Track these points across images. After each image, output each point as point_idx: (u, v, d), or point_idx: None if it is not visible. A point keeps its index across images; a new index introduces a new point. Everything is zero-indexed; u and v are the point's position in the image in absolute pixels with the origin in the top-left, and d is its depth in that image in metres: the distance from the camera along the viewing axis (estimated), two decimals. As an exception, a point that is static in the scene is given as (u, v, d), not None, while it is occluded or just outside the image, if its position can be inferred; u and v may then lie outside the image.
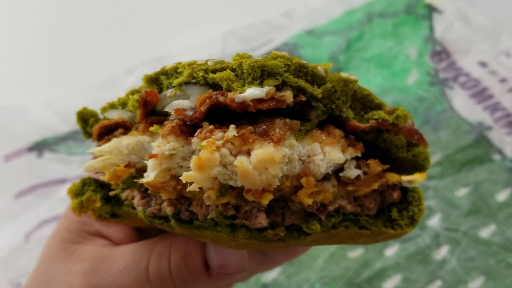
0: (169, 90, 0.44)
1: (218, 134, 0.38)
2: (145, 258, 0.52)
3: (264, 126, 0.39)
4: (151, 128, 0.42)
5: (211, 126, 0.39)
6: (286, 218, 0.42)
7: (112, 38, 1.22)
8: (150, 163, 0.40)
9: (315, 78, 0.42)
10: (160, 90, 0.45)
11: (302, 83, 0.40)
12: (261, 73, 0.40)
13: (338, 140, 0.42)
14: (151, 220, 0.45)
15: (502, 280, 0.89)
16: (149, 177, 0.40)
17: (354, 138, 0.44)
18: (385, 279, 0.89)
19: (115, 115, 0.50)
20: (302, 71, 0.41)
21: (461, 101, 1.09)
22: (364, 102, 0.45)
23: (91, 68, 1.16)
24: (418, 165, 0.47)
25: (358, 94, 0.44)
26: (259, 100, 0.39)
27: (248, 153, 0.38)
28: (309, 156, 0.41)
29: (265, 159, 0.36)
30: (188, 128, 0.41)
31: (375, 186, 0.45)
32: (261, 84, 0.39)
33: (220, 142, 0.37)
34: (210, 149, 0.37)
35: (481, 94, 1.09)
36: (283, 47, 1.16)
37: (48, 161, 1.03)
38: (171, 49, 1.14)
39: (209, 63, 0.42)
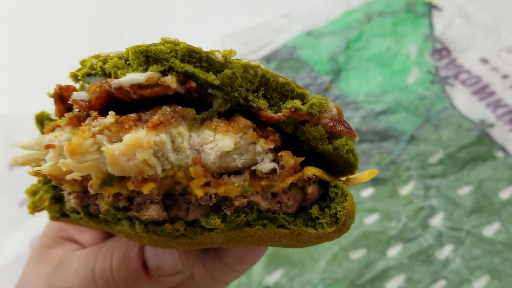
0: (77, 84, 0.43)
1: (99, 121, 0.37)
2: (92, 260, 0.53)
3: (148, 113, 0.38)
4: (58, 121, 0.41)
5: (95, 113, 0.38)
6: (190, 213, 0.40)
7: (111, 44, 1.22)
8: (49, 154, 0.39)
9: (213, 65, 0.39)
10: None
11: (190, 68, 0.38)
12: (146, 59, 0.38)
13: (242, 129, 0.39)
14: (70, 215, 0.45)
15: (508, 279, 0.88)
16: (45, 167, 0.38)
17: (272, 130, 0.41)
18: (388, 280, 0.88)
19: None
20: (193, 56, 0.39)
21: (462, 99, 1.08)
22: (283, 92, 0.41)
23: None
24: (346, 160, 0.42)
25: (273, 83, 0.41)
26: (139, 86, 0.37)
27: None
28: (202, 145, 0.39)
29: (132, 144, 0.35)
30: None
31: (290, 180, 0.41)
32: (146, 70, 0.38)
33: (96, 129, 0.36)
34: (82, 135, 0.35)
35: (483, 91, 1.08)
36: (282, 49, 1.16)
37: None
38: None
39: (111, 54, 0.41)
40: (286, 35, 1.18)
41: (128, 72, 0.38)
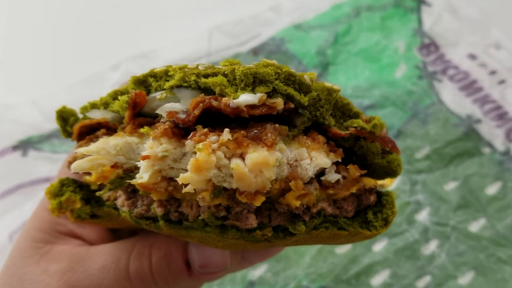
0: (158, 92, 0.44)
1: (213, 137, 0.39)
2: (124, 258, 0.52)
3: (256, 131, 0.40)
4: (142, 130, 0.43)
5: (205, 129, 0.40)
6: (272, 220, 0.44)
7: (96, 35, 1.20)
8: (143, 164, 0.40)
9: (301, 87, 0.43)
10: (148, 92, 0.45)
11: (291, 91, 0.42)
12: (253, 80, 0.41)
13: (322, 146, 0.44)
14: (137, 220, 0.45)
15: (493, 275, 0.87)
16: (142, 178, 0.40)
17: (334, 144, 0.46)
18: (373, 275, 0.88)
19: (98, 115, 0.49)
20: (290, 79, 0.42)
21: (450, 94, 1.07)
22: (344, 111, 0.47)
23: (75, 65, 1.15)
24: (391, 171, 0.49)
25: (339, 103, 0.46)
26: (251, 106, 0.40)
27: (241, 157, 0.39)
28: (296, 160, 0.42)
29: (260, 162, 0.38)
30: (179, 131, 0.42)
31: (354, 189, 0.46)
32: (253, 91, 0.41)
33: (215, 145, 0.38)
34: (207, 152, 0.37)
35: (470, 87, 1.08)
36: (270, 41, 1.15)
37: (33, 160, 1.02)
38: (156, 45, 1.13)
39: (200, 67, 0.43)
40: (274, 27, 1.17)
41: (233, 91, 0.41)
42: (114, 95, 0.49)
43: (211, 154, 0.37)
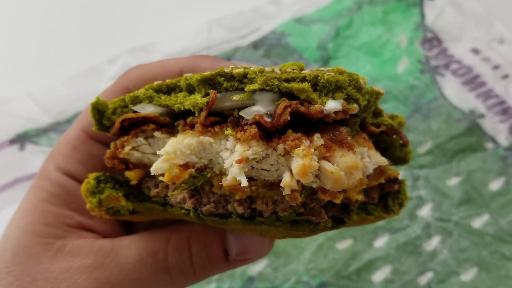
0: (230, 93, 0.45)
1: (306, 142, 0.41)
2: (161, 251, 0.52)
3: (333, 134, 0.44)
4: (227, 132, 0.44)
5: (298, 134, 0.42)
6: (328, 212, 0.47)
7: (94, 27, 1.19)
8: (236, 167, 0.42)
9: (361, 91, 0.47)
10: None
11: (359, 96, 0.46)
12: (334, 87, 0.44)
13: (372, 146, 0.49)
14: (203, 217, 0.47)
15: (496, 272, 0.87)
16: (242, 182, 0.41)
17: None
18: (374, 271, 0.87)
19: (150, 110, 0.49)
20: (356, 85, 0.46)
21: (452, 89, 1.06)
22: (375, 110, 0.52)
23: (73, 58, 1.14)
24: (403, 161, 0.55)
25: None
26: (335, 112, 0.43)
27: (327, 159, 0.42)
28: (360, 159, 0.46)
29: (352, 166, 0.41)
30: (262, 133, 0.43)
31: (382, 180, 0.52)
32: (332, 97, 0.44)
33: (312, 150, 0.41)
34: (310, 157, 0.40)
35: (473, 82, 1.07)
36: (270, 35, 1.14)
37: (30, 154, 1.02)
38: (155, 38, 1.12)
39: (276, 70, 0.45)
40: (275, 21, 1.16)
41: (317, 97, 0.44)
42: (159, 88, 0.49)
43: (313, 160, 0.40)
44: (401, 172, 0.97)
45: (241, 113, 0.44)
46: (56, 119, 1.04)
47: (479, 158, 0.98)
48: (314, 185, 0.42)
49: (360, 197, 0.48)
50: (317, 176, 0.42)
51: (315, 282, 0.86)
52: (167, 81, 0.50)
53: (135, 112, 0.49)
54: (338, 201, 0.44)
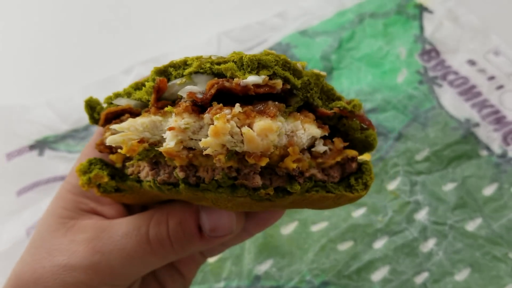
0: (178, 79, 0.52)
1: (227, 110, 0.47)
2: (144, 225, 0.60)
3: (260, 106, 0.49)
4: (166, 109, 0.51)
5: (220, 105, 0.47)
6: (273, 181, 0.52)
7: (110, 40, 1.25)
8: (168, 134, 0.48)
9: (295, 72, 0.52)
10: (168, 80, 0.54)
11: (287, 74, 0.50)
12: (258, 65, 0.49)
13: (313, 121, 0.53)
14: (160, 187, 0.54)
15: (488, 272, 0.91)
16: (169, 145, 0.48)
17: (321, 122, 0.55)
18: (373, 271, 0.92)
19: (123, 102, 0.58)
20: (286, 65, 0.51)
21: (449, 99, 1.11)
22: (328, 95, 0.56)
23: (90, 68, 1.19)
24: (368, 145, 0.58)
25: (325, 88, 0.55)
26: (257, 85, 0.49)
27: (249, 126, 0.47)
28: (292, 131, 0.50)
29: (266, 128, 0.46)
30: (197, 108, 0.49)
31: (338, 158, 0.56)
32: (257, 74, 0.49)
33: (229, 116, 0.46)
34: (223, 120, 0.45)
35: (469, 92, 1.12)
36: (276, 47, 1.19)
37: (49, 159, 1.06)
38: (167, 50, 1.17)
39: (212, 57, 0.51)
40: (281, 33, 1.21)
41: (242, 74, 0.49)
42: (136, 86, 0.58)
43: (226, 123, 0.45)
44: (400, 178, 1.02)
45: (179, 93, 0.52)
46: (73, 126, 1.09)
47: (473, 165, 1.03)
48: (238, 149, 0.47)
49: (295, 166, 0.50)
50: (242, 142, 0.47)
51: (317, 281, 0.91)
52: (142, 79, 0.58)
53: (114, 106, 0.59)
54: (263, 163, 0.47)
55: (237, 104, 0.47)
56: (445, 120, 1.08)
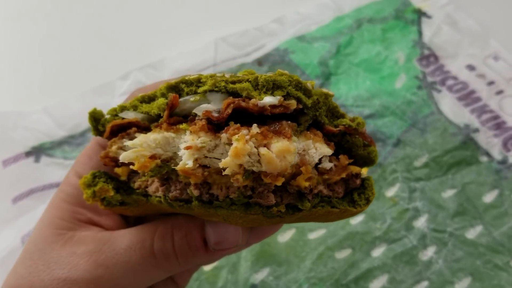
0: (191, 96, 0.53)
1: (244, 130, 0.47)
2: (149, 238, 0.59)
3: (275, 126, 0.50)
4: (181, 126, 0.51)
5: (237, 125, 0.48)
6: (283, 199, 0.53)
7: (106, 45, 1.24)
8: (185, 153, 0.49)
9: (306, 92, 0.53)
10: (179, 96, 0.54)
11: (300, 94, 0.51)
12: (273, 85, 0.50)
13: (321, 139, 0.54)
14: (171, 203, 0.54)
15: (489, 281, 0.90)
16: (187, 164, 0.48)
17: (327, 139, 0.56)
18: (371, 280, 0.90)
19: (131, 116, 0.58)
20: (298, 86, 0.52)
21: (448, 104, 1.10)
22: (333, 112, 0.57)
23: (86, 74, 1.19)
24: (369, 160, 0.60)
25: (331, 106, 0.56)
26: (272, 106, 0.50)
27: (265, 146, 0.48)
28: (304, 150, 0.51)
29: (284, 149, 0.47)
30: (212, 127, 0.50)
31: (343, 175, 0.57)
32: (272, 94, 0.50)
33: (248, 137, 0.47)
34: (243, 141, 0.46)
35: (468, 97, 1.11)
36: (274, 52, 1.18)
37: (45, 165, 1.05)
38: (164, 55, 1.17)
39: (226, 75, 0.52)
40: (278, 39, 1.20)
41: (257, 94, 0.50)
42: (142, 99, 0.58)
43: (246, 143, 0.46)
44: (398, 185, 1.01)
45: (194, 111, 0.52)
46: (70, 133, 1.09)
47: (473, 171, 1.02)
48: (255, 169, 0.48)
49: (308, 184, 0.52)
50: (259, 162, 0.47)
51: (315, 290, 0.90)
52: (149, 92, 0.58)
53: (121, 118, 0.59)
54: (279, 183, 0.49)
55: (255, 125, 0.48)
56: (444, 126, 1.07)
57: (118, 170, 0.59)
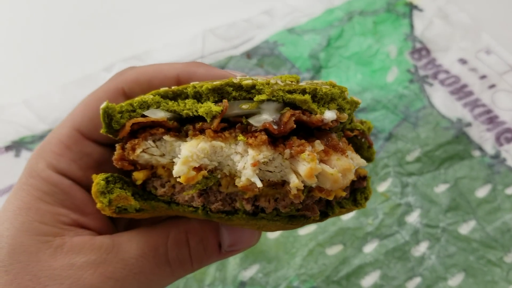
0: (242, 103, 0.50)
1: (309, 148, 0.47)
2: (162, 245, 0.54)
3: (327, 141, 0.49)
4: (239, 138, 0.48)
5: (302, 141, 0.47)
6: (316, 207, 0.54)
7: (90, 36, 1.21)
8: (250, 170, 0.47)
9: (350, 104, 0.53)
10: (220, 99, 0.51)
11: (347, 106, 0.52)
12: (330, 99, 0.50)
13: (352, 149, 0.54)
14: (211, 214, 0.51)
15: (482, 277, 0.88)
16: (257, 184, 0.47)
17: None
18: (363, 276, 0.88)
19: (160, 115, 0.51)
20: (344, 97, 0.52)
21: (440, 98, 1.08)
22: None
23: (68, 66, 1.15)
24: (368, 160, 0.61)
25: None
26: (332, 121, 0.49)
27: (323, 162, 0.47)
28: None
29: (346, 168, 0.47)
30: (269, 139, 0.48)
31: (354, 178, 0.55)
32: (328, 107, 0.49)
33: (315, 154, 0.46)
34: (315, 162, 0.45)
35: (461, 91, 1.09)
36: (263, 44, 1.16)
37: (26, 160, 1.01)
38: (150, 47, 1.13)
39: (279, 82, 0.51)
40: (268, 31, 1.18)
41: (316, 107, 0.49)
42: (165, 94, 0.52)
43: (317, 164, 0.45)
44: (390, 180, 0.99)
45: (250, 121, 0.49)
46: (51, 126, 1.05)
47: (466, 165, 1.00)
48: (314, 185, 0.47)
49: (345, 194, 0.52)
50: (316, 177, 0.46)
51: (305, 287, 0.87)
52: (173, 87, 0.52)
53: (144, 116, 0.51)
54: (331, 197, 0.49)
55: (318, 141, 0.48)
56: (437, 120, 1.05)
57: (137, 174, 0.53)
